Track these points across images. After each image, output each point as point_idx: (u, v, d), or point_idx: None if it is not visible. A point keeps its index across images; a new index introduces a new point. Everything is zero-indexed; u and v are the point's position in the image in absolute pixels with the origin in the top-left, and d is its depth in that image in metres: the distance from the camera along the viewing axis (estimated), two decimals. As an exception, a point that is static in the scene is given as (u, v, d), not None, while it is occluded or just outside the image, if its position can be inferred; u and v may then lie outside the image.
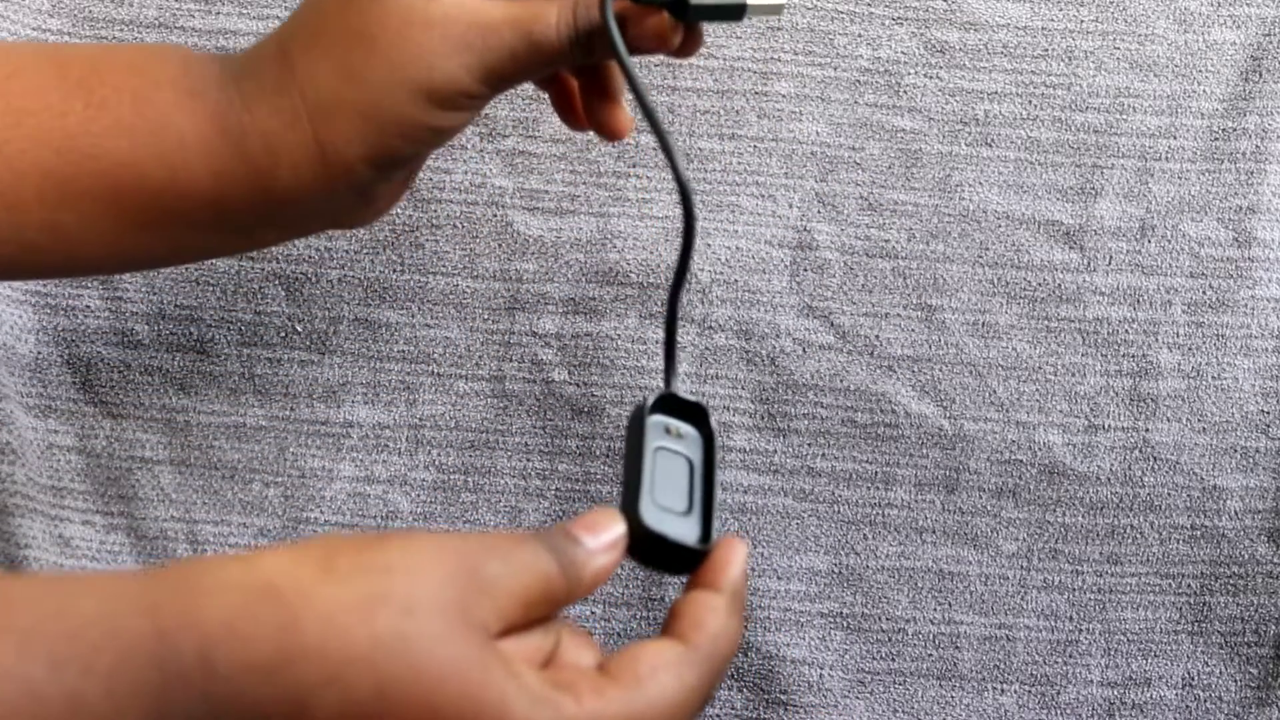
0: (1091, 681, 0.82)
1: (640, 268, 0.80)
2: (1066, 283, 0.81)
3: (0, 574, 0.70)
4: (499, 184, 0.80)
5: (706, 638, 0.54)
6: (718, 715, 0.82)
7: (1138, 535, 0.81)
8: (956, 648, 0.82)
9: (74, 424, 0.81)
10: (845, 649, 0.82)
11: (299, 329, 0.81)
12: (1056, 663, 0.82)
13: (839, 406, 0.81)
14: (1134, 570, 0.82)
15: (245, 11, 0.79)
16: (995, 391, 0.81)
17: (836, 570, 0.82)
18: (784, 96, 0.80)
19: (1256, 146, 0.81)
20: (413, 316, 0.81)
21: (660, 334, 0.80)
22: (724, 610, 0.55)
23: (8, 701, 0.48)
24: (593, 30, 0.60)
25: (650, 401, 0.58)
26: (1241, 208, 0.80)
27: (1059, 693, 0.82)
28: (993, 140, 0.80)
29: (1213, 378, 0.81)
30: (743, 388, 0.81)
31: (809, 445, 0.81)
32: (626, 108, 0.65)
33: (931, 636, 0.82)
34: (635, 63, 0.60)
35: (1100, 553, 0.81)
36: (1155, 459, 0.81)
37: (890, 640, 0.82)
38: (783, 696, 0.82)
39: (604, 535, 0.55)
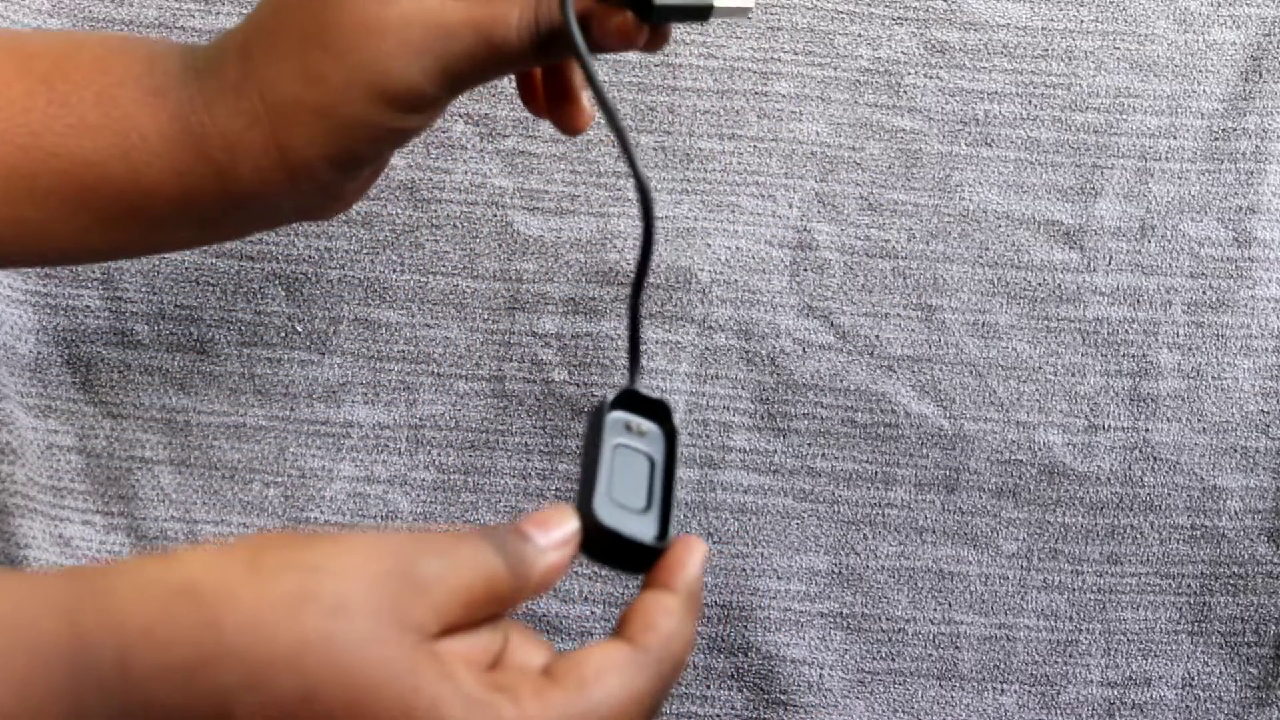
0: (1091, 681, 0.82)
1: (640, 268, 0.80)
2: (1066, 283, 0.81)
3: None
4: (499, 184, 0.80)
5: (658, 640, 0.53)
6: (718, 715, 0.82)
7: (1138, 535, 0.81)
8: (956, 648, 0.82)
9: (74, 424, 0.81)
10: (845, 649, 0.82)
11: (299, 329, 0.81)
12: (1056, 663, 0.82)
13: (839, 406, 0.81)
14: (1134, 570, 0.82)
15: (245, 12, 0.79)
16: (995, 391, 0.81)
17: (836, 570, 0.82)
18: (784, 96, 0.80)
19: (1256, 146, 0.81)
20: (413, 316, 0.81)
21: (658, 333, 0.80)
22: (678, 611, 0.53)
23: None
24: (554, 30, 0.59)
25: (611, 398, 0.57)
26: (1241, 208, 0.81)
27: (1059, 693, 0.82)
28: (993, 140, 0.80)
29: (1213, 378, 0.81)
30: (743, 388, 0.81)
31: (809, 445, 0.81)
32: (585, 103, 0.64)
33: (931, 636, 0.82)
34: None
35: (1100, 553, 0.81)
36: (1155, 459, 0.81)
37: (890, 640, 0.82)
38: (783, 696, 0.82)
39: (555, 532, 0.53)
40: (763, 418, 0.81)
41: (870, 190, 0.81)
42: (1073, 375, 0.81)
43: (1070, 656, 0.82)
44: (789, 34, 0.80)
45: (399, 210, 0.80)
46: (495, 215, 0.80)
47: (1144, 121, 0.81)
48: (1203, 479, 0.81)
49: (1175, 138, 0.81)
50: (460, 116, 0.80)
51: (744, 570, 0.81)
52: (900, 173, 0.80)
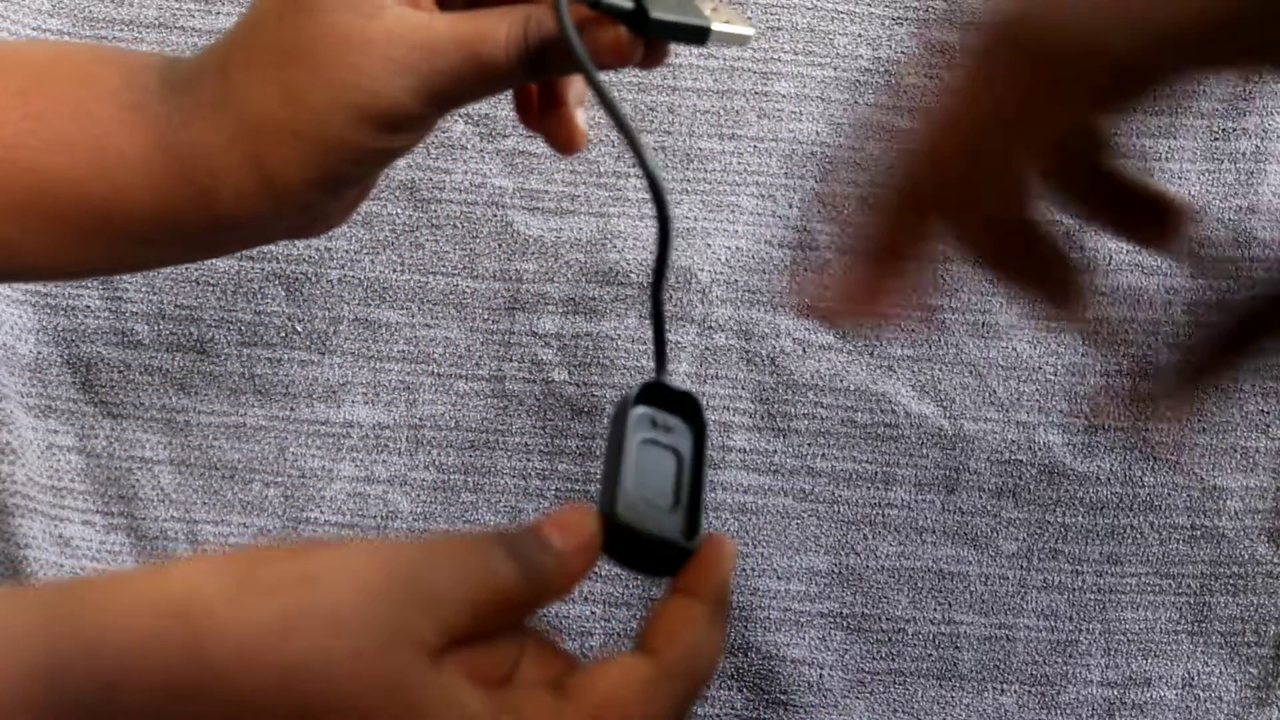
0: (1091, 681, 0.82)
1: (640, 268, 0.80)
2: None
3: None
4: (499, 184, 0.80)
5: (681, 653, 0.49)
6: (718, 715, 0.82)
7: (1138, 535, 0.81)
8: (956, 648, 0.82)
9: (74, 424, 0.81)
10: (845, 649, 0.82)
11: (299, 329, 0.81)
12: (1056, 663, 0.82)
13: (839, 406, 0.81)
14: (1134, 570, 0.82)
15: (245, 12, 0.79)
16: (995, 391, 0.81)
17: (836, 570, 0.82)
18: (784, 96, 0.80)
19: (1256, 146, 0.81)
20: (413, 316, 0.81)
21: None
22: (704, 621, 0.50)
23: None
24: (545, 45, 0.56)
25: (635, 392, 0.55)
26: (1241, 208, 0.80)
27: (1059, 693, 0.82)
28: (993, 140, 0.80)
29: (1213, 378, 0.81)
30: (743, 388, 0.81)
31: (809, 445, 0.81)
32: (578, 121, 0.62)
33: (931, 636, 0.82)
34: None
35: (1100, 553, 0.81)
36: (1155, 459, 0.81)
37: (890, 640, 0.82)
38: (783, 696, 0.82)
39: (575, 535, 0.50)
40: (763, 418, 0.81)
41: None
42: (1073, 375, 0.81)
43: (1070, 656, 0.82)
44: (789, 34, 0.80)
45: (399, 210, 0.80)
46: (495, 215, 0.80)
47: (1144, 121, 0.81)
48: (1203, 479, 0.81)
49: (1175, 138, 0.81)
50: (460, 116, 0.80)
51: (744, 570, 0.81)
52: (900, 173, 0.80)
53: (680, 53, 0.80)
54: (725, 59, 0.80)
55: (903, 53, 0.80)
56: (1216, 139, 0.81)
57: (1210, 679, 0.82)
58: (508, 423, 0.81)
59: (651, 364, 0.81)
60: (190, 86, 0.58)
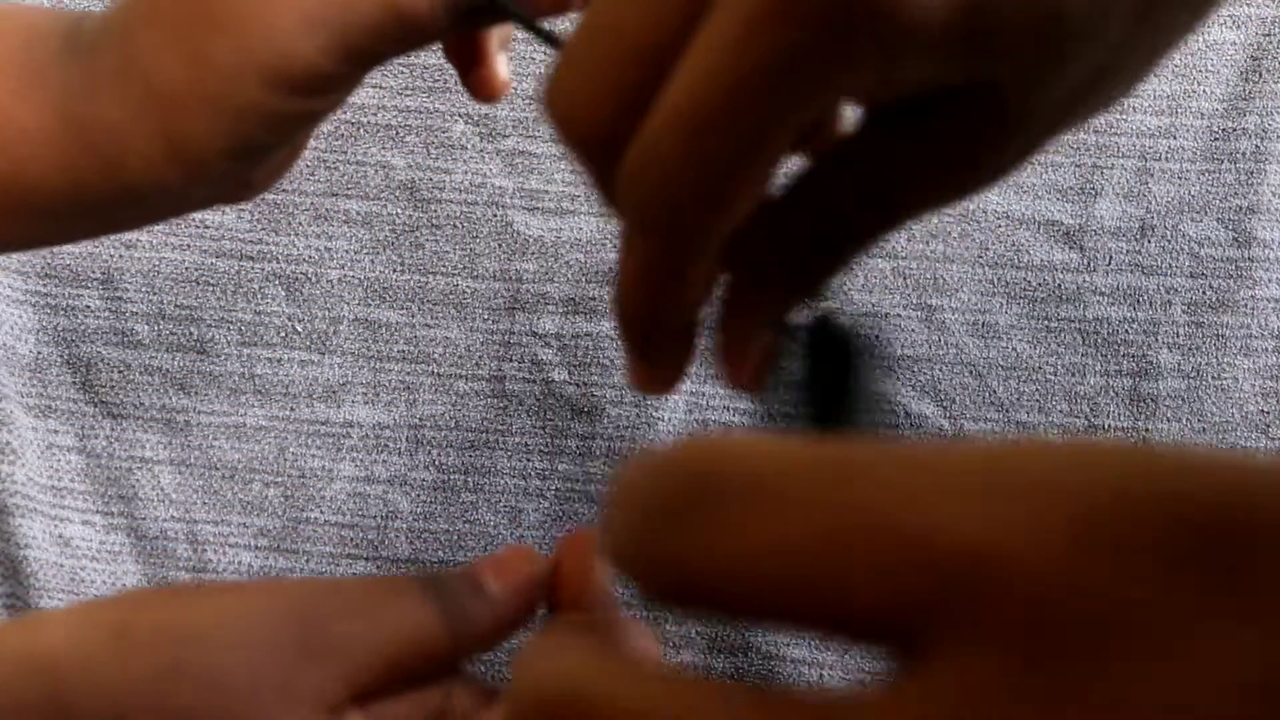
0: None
1: (640, 268, 0.80)
2: (1066, 283, 0.80)
3: None
4: (499, 184, 0.80)
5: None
6: (718, 715, 0.82)
7: (1138, 535, 0.81)
8: (956, 648, 0.82)
9: (74, 424, 0.81)
10: (845, 649, 0.82)
11: (299, 329, 0.81)
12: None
13: (839, 406, 0.81)
14: (1134, 570, 0.82)
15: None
16: (995, 391, 0.81)
17: (836, 570, 0.81)
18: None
19: (1256, 146, 0.81)
20: (413, 316, 0.81)
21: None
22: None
23: None
24: None
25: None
26: (1241, 208, 0.80)
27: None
28: (993, 140, 0.80)
29: (1213, 378, 0.81)
30: (743, 388, 0.81)
31: (809, 445, 0.81)
32: (499, 68, 0.59)
33: (931, 636, 0.82)
34: None
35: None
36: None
37: (890, 640, 0.82)
38: (783, 696, 0.82)
39: (512, 578, 0.47)
40: (764, 417, 0.81)
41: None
42: (1073, 375, 0.81)
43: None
44: None
45: (399, 210, 0.80)
46: (495, 215, 0.80)
47: (1144, 121, 0.81)
48: (1203, 479, 0.81)
49: (1175, 138, 0.81)
50: (460, 116, 0.80)
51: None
52: (900, 173, 0.80)
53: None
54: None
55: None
56: (1216, 139, 0.81)
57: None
58: (508, 423, 0.81)
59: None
60: (94, 52, 0.54)
